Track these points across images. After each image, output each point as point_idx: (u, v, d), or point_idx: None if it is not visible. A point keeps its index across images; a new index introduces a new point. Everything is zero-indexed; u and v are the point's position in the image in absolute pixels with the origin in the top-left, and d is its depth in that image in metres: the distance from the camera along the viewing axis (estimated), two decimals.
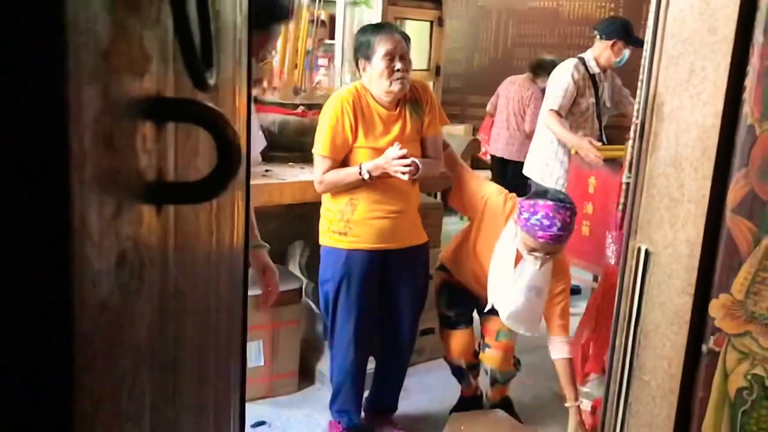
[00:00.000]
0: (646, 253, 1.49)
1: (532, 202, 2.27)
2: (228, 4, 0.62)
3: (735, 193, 1.34)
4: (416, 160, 2.26)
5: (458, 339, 2.70)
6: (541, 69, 4.80)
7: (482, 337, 2.75)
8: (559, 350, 2.34)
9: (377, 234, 2.36)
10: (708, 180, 1.36)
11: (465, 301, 2.70)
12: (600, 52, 3.71)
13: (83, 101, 0.31)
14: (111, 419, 0.36)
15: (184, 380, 0.53)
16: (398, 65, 2.27)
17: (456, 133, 5.41)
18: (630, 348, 1.57)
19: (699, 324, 1.43)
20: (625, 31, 3.64)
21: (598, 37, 3.74)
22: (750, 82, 1.29)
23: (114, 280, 0.36)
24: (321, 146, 2.32)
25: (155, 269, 0.43)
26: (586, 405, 2.30)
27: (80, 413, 0.32)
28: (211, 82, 0.44)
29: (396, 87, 2.30)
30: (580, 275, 3.80)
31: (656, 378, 1.51)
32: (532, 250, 2.29)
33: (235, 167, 0.43)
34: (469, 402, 2.87)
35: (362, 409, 2.67)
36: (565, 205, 2.28)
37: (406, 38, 2.37)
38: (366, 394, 2.69)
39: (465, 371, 2.77)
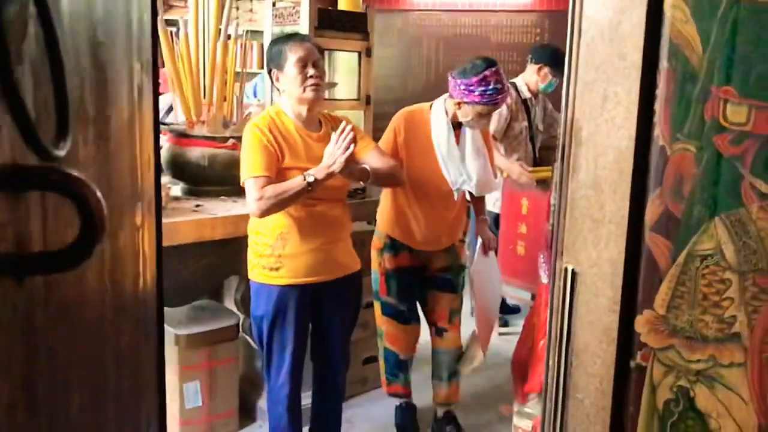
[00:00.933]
0: (573, 273, 1.53)
1: (465, 81, 2.50)
2: (119, 52, 0.60)
3: (652, 212, 1.39)
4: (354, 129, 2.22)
5: (406, 332, 2.79)
6: None
7: (434, 324, 2.83)
8: None
9: (310, 267, 2.31)
10: (626, 200, 1.41)
11: (412, 291, 2.78)
12: (530, 76, 3.85)
13: None
14: None
15: None
16: (311, 71, 2.23)
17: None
18: (563, 367, 1.59)
19: (626, 340, 1.47)
20: (554, 57, 3.74)
21: (529, 60, 3.87)
22: (659, 105, 1.35)
23: None
24: (251, 167, 2.20)
25: (17, 342, 0.41)
26: (527, 425, 2.33)
27: None
28: (61, 152, 0.42)
29: (310, 94, 2.25)
30: (517, 294, 3.87)
31: (589, 396, 1.54)
32: (478, 116, 2.54)
33: (98, 235, 0.42)
34: (409, 413, 2.93)
35: None
36: (488, 66, 2.50)
37: (319, 48, 2.35)
38: (306, 429, 2.64)
39: (403, 364, 2.86)
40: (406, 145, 2.66)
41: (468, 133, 2.65)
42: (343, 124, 2.22)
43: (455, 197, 2.70)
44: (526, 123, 3.84)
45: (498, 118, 3.67)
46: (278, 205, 2.18)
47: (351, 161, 2.16)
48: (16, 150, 0.40)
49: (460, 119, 2.59)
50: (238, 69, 2.98)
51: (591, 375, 1.53)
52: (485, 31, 6.63)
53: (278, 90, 2.34)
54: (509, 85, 3.83)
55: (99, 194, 0.42)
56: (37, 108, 0.43)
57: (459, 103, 2.55)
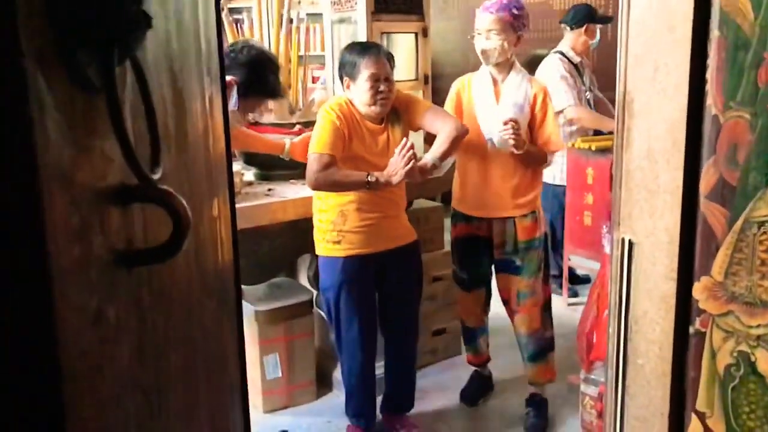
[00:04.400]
0: (630, 243, 1.56)
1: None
2: (192, 75, 0.72)
3: (706, 181, 1.41)
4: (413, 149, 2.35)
5: (470, 300, 2.91)
6: (536, 64, 4.89)
7: (505, 303, 2.88)
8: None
9: (369, 239, 2.48)
10: (680, 170, 1.43)
11: (472, 260, 2.86)
12: (574, 41, 3.89)
13: (55, 204, 0.42)
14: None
15: (170, 399, 0.63)
16: (382, 87, 2.38)
17: None
18: (623, 334, 1.63)
19: (684, 307, 1.49)
20: (590, 13, 3.88)
21: (568, 28, 3.91)
22: (710, 74, 1.36)
23: (93, 332, 0.46)
24: (318, 143, 2.38)
25: (131, 316, 0.54)
26: (594, 392, 2.37)
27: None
28: (156, 176, 0.54)
29: (378, 109, 2.42)
30: (586, 265, 3.86)
31: (649, 362, 1.57)
32: (487, 32, 2.64)
33: (185, 233, 0.53)
34: (479, 383, 3.00)
35: (378, 411, 2.75)
36: None
37: (391, 58, 2.47)
38: (381, 397, 2.77)
39: (475, 331, 2.97)
40: (457, 113, 2.77)
41: (507, 88, 2.72)
42: (404, 141, 2.35)
43: (488, 147, 2.72)
44: (583, 87, 3.89)
45: (567, 88, 3.74)
46: (333, 186, 2.40)
47: (412, 172, 2.33)
48: (124, 175, 0.52)
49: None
50: (302, 53, 3.10)
51: (651, 341, 1.56)
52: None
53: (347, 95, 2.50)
54: (559, 55, 3.87)
55: (183, 201, 0.53)
56: (135, 138, 0.55)
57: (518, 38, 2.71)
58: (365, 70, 2.38)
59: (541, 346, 2.83)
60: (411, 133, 2.59)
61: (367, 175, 2.35)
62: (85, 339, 0.46)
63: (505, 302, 2.86)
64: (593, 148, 3.60)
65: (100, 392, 0.48)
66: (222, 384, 0.84)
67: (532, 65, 4.99)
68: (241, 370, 0.95)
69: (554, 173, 3.85)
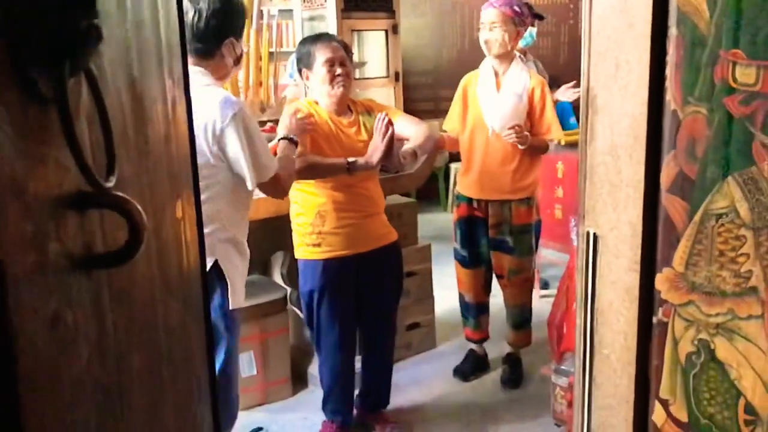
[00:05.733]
0: (594, 236, 1.59)
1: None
2: (153, 79, 0.73)
3: (667, 174, 1.44)
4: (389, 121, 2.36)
5: (468, 276, 3.11)
6: None
7: (498, 276, 3.15)
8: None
9: (349, 240, 2.47)
10: (642, 165, 1.47)
11: (472, 239, 3.04)
12: None
13: (7, 213, 0.44)
14: None
15: (133, 399, 0.65)
16: (338, 70, 2.39)
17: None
18: (589, 326, 1.67)
19: (648, 298, 1.53)
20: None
21: None
22: (669, 71, 1.39)
23: (50, 336, 0.47)
24: (285, 130, 2.35)
25: (90, 318, 0.55)
26: (564, 382, 2.41)
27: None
28: (110, 184, 0.55)
29: (338, 90, 2.42)
30: (557, 257, 3.91)
31: (615, 351, 1.61)
32: (491, 24, 2.81)
33: (139, 238, 0.55)
34: (473, 361, 3.16)
35: (354, 407, 2.77)
36: None
37: (345, 47, 2.49)
38: (356, 392, 2.79)
39: (472, 307, 3.13)
40: (464, 105, 2.99)
41: (507, 79, 2.91)
42: (380, 115, 2.36)
43: (488, 134, 2.91)
44: None
45: None
46: (311, 171, 2.36)
47: (392, 149, 2.33)
48: (80, 182, 0.53)
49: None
50: (271, 49, 3.09)
51: (616, 332, 1.60)
52: None
53: (307, 87, 2.50)
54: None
55: (138, 206, 0.55)
56: (92, 146, 0.56)
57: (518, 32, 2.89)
58: (320, 56, 2.40)
59: (525, 317, 3.15)
60: None
61: (347, 159, 2.35)
62: (42, 342, 0.47)
63: (499, 277, 3.15)
64: (563, 142, 3.66)
65: (59, 394, 0.49)
66: (189, 383, 0.85)
67: None
68: (210, 369, 0.96)
69: None
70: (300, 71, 2.51)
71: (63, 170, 0.52)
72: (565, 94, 3.80)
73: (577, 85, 2.65)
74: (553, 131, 2.95)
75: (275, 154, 2.22)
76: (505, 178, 2.95)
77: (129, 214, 0.56)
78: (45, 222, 0.49)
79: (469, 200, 3.04)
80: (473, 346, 3.27)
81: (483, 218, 3.04)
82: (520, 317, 3.15)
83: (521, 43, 4.06)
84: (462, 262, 3.14)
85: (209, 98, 1.89)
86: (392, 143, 2.31)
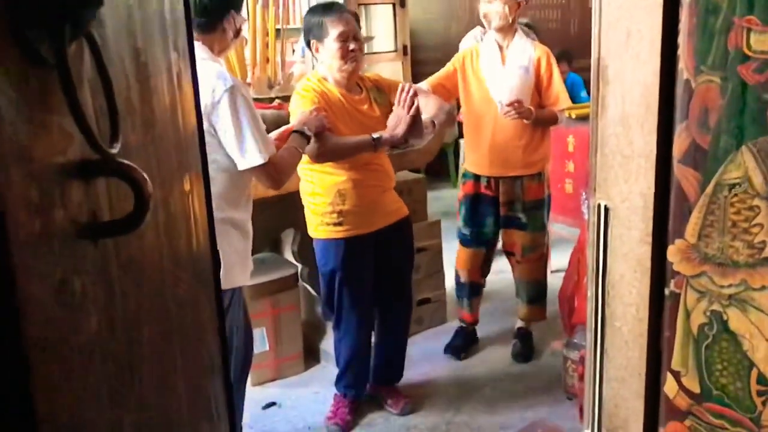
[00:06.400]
0: (606, 208, 1.58)
1: None
2: (157, 50, 0.72)
3: (679, 144, 1.43)
4: (411, 86, 2.35)
5: (467, 255, 3.07)
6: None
7: (510, 254, 3.12)
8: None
9: (369, 217, 2.47)
10: (654, 135, 1.45)
11: (477, 218, 3.01)
12: None
13: (12, 179, 0.43)
14: (70, 400, 0.48)
15: (143, 369, 0.65)
16: (352, 45, 2.33)
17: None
18: (601, 298, 1.66)
19: (660, 269, 1.52)
20: None
21: None
22: (682, 39, 1.37)
23: (57, 301, 0.47)
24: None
25: (98, 286, 0.55)
26: (575, 355, 2.42)
27: (40, 397, 0.44)
28: (115, 150, 0.54)
29: (350, 66, 2.37)
30: (568, 232, 3.90)
31: (627, 323, 1.61)
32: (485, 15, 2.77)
33: (145, 206, 0.55)
34: (464, 337, 3.18)
35: (367, 382, 2.79)
36: None
37: (356, 18, 2.44)
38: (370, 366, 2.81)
39: (466, 287, 3.10)
40: (464, 80, 2.91)
41: (512, 52, 2.87)
42: (402, 84, 2.32)
43: (499, 111, 2.84)
44: None
45: None
46: (337, 153, 2.33)
47: (418, 120, 2.29)
48: (85, 150, 0.53)
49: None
50: (278, 26, 3.07)
51: (627, 304, 1.60)
52: None
53: (316, 59, 2.44)
54: (479, 27, 4.04)
55: (145, 175, 0.55)
56: (96, 114, 0.55)
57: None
58: (333, 30, 2.33)
59: (540, 292, 3.12)
60: None
61: (372, 134, 2.31)
62: (49, 307, 0.48)
63: (510, 254, 3.12)
64: (573, 116, 3.62)
65: (68, 360, 0.50)
66: (200, 355, 0.85)
67: None
68: (222, 342, 0.96)
69: None
70: (308, 43, 2.45)
71: (67, 137, 0.52)
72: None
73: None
74: (561, 101, 2.90)
75: (288, 135, 2.20)
76: (516, 153, 2.89)
77: (134, 182, 0.55)
78: (50, 188, 0.49)
79: (477, 177, 2.99)
80: (461, 325, 3.25)
81: (491, 196, 2.99)
82: (535, 292, 3.11)
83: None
84: (463, 240, 3.09)
85: (203, 73, 1.87)
86: (419, 114, 2.28)
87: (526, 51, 2.87)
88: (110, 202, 0.60)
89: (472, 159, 3.01)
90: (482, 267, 3.14)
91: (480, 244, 3.06)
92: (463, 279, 3.13)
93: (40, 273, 0.46)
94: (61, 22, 0.48)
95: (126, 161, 0.56)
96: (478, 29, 4.00)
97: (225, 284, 1.97)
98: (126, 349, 0.61)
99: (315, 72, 2.48)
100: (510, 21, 2.83)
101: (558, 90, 2.88)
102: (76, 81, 0.49)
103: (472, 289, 3.14)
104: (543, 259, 3.11)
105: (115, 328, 0.59)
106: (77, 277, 0.52)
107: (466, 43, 3.88)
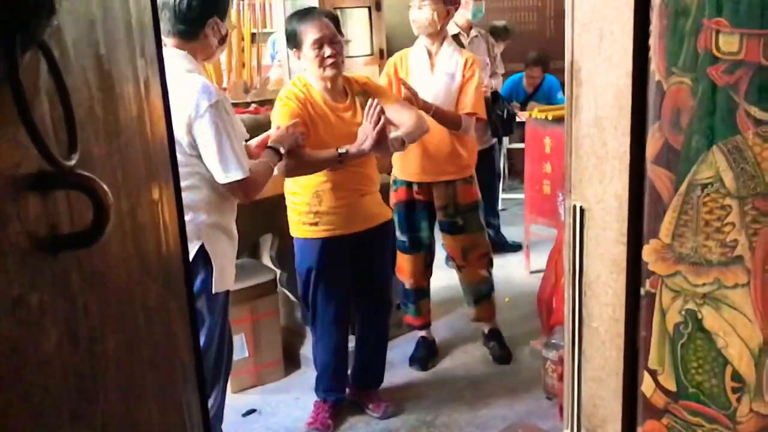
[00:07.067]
0: (581, 209, 1.59)
1: None
2: (121, 57, 0.70)
3: (652, 145, 1.44)
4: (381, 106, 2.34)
5: (408, 261, 3.05)
6: (493, 35, 4.91)
7: (452, 260, 3.12)
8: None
9: (346, 219, 2.46)
10: (627, 136, 1.46)
11: (412, 224, 3.01)
12: (457, 16, 4.05)
13: None
14: (26, 420, 0.47)
15: (108, 382, 0.63)
16: (328, 51, 2.32)
17: None
18: (578, 299, 1.67)
19: (635, 269, 1.54)
20: None
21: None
22: (653, 41, 1.38)
23: (11, 318, 0.46)
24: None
25: (58, 300, 0.54)
26: (554, 355, 2.43)
27: None
28: (72, 162, 0.53)
29: (329, 72, 2.36)
30: (546, 233, 3.92)
31: (603, 324, 1.62)
32: (420, 2, 2.78)
33: (105, 218, 0.54)
34: (425, 348, 3.16)
35: (347, 387, 2.78)
36: None
37: (334, 19, 2.42)
38: (349, 371, 2.80)
39: (411, 292, 3.10)
40: (396, 87, 2.86)
41: (440, 59, 2.89)
42: (370, 101, 2.30)
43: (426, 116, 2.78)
44: None
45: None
46: (304, 168, 2.35)
47: (383, 136, 2.29)
48: (42, 162, 0.52)
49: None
50: (254, 30, 3.05)
51: (604, 304, 1.61)
52: None
53: (290, 67, 2.44)
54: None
55: (104, 186, 0.54)
56: (54, 124, 0.54)
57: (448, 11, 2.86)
58: (308, 37, 2.33)
59: (487, 290, 3.14)
60: None
61: (338, 149, 2.31)
62: (4, 326, 0.46)
63: (452, 258, 3.14)
64: (550, 117, 3.65)
65: (24, 377, 0.48)
66: (171, 366, 0.84)
67: (493, 35, 5.05)
68: (195, 348, 0.95)
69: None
70: (291, 50, 2.45)
71: (21, 149, 0.50)
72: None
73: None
74: (468, 105, 2.88)
75: (266, 144, 2.20)
76: (446, 158, 2.90)
77: (93, 193, 0.54)
78: (3, 202, 0.47)
79: (409, 184, 2.97)
80: (422, 332, 3.22)
81: (424, 201, 2.99)
82: (480, 292, 3.12)
83: (470, 17, 4.06)
84: (402, 248, 3.05)
85: (188, 86, 1.86)
86: (384, 132, 2.29)
87: (453, 57, 2.90)
88: (71, 215, 0.59)
89: (402, 166, 2.99)
90: (425, 271, 3.14)
91: (419, 248, 3.06)
92: (408, 285, 3.12)
93: None
94: (12, 33, 0.47)
95: (84, 172, 0.55)
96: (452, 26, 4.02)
97: (218, 287, 2.00)
98: (89, 363, 0.59)
99: (302, 76, 2.47)
100: (438, 27, 2.86)
101: (468, 96, 2.88)
102: (31, 92, 0.48)
103: (418, 293, 3.14)
104: (486, 258, 3.10)
105: (77, 341, 0.57)
106: (35, 292, 0.51)
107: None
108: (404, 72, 2.91)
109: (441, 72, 2.88)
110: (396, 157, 2.94)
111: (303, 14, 2.42)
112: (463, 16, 4.02)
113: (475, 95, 2.87)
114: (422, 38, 2.91)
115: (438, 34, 2.88)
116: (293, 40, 2.38)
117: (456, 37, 3.99)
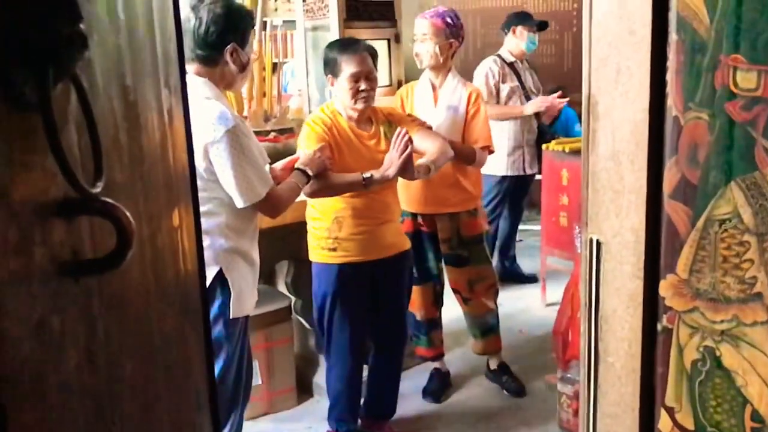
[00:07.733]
0: (598, 243, 1.59)
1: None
2: (147, 88, 0.73)
3: (669, 180, 1.44)
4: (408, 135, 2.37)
5: (417, 293, 2.99)
6: None
7: (457, 292, 3.10)
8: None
9: (365, 247, 2.48)
10: (644, 171, 1.46)
11: (423, 254, 3.00)
12: (509, 43, 4.16)
13: None
14: None
15: (124, 406, 0.65)
16: (363, 86, 2.39)
17: None
18: (594, 333, 1.66)
19: (652, 305, 1.52)
20: (519, 16, 4.20)
21: (504, 33, 4.21)
22: (670, 77, 1.39)
23: (34, 341, 0.47)
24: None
25: (79, 324, 0.55)
26: (570, 390, 2.40)
27: None
28: (97, 189, 0.55)
29: (360, 105, 2.43)
30: (562, 265, 3.90)
31: (619, 359, 1.60)
32: (422, 35, 2.82)
33: (128, 244, 0.55)
34: (439, 380, 3.13)
35: (359, 417, 2.76)
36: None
37: (373, 53, 2.48)
38: (362, 401, 2.78)
39: (421, 324, 3.08)
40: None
41: (444, 92, 2.92)
42: (399, 130, 2.34)
43: None
44: (517, 83, 4.12)
45: (485, 81, 4.02)
46: (328, 190, 2.38)
47: (409, 163, 2.32)
48: (68, 188, 0.53)
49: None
50: (275, 60, 3.11)
51: (620, 339, 1.59)
52: (523, 3, 6.55)
53: (329, 92, 2.51)
54: (495, 57, 4.10)
55: (127, 213, 0.55)
56: (81, 152, 0.56)
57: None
58: (347, 69, 2.39)
59: (494, 322, 3.13)
60: None
61: (362, 174, 2.34)
62: (27, 347, 0.47)
63: (456, 291, 3.11)
64: (567, 149, 3.65)
65: (45, 398, 0.49)
66: (187, 391, 0.85)
67: None
68: (209, 375, 0.96)
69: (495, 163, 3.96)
70: (326, 74, 2.52)
71: (49, 176, 0.52)
72: (536, 104, 3.90)
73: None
74: (480, 139, 2.90)
75: (292, 167, 2.24)
76: (449, 190, 2.91)
77: (116, 220, 0.56)
78: (30, 227, 0.49)
79: (414, 215, 3.00)
80: (436, 364, 3.20)
81: (429, 232, 3.00)
82: (487, 324, 3.11)
83: (524, 48, 4.12)
84: None
85: (206, 113, 1.90)
86: (410, 160, 2.32)
87: (458, 90, 2.93)
88: (94, 240, 0.60)
89: (406, 197, 2.98)
90: (435, 302, 3.13)
91: (428, 279, 3.06)
92: (419, 317, 3.11)
93: (17, 312, 0.46)
94: (45, 65, 0.49)
95: (108, 200, 0.57)
96: (491, 59, 4.11)
97: (236, 312, 2.02)
98: (107, 386, 0.60)
99: (330, 103, 2.53)
100: (441, 60, 2.89)
101: (479, 129, 2.90)
102: (61, 121, 0.50)
103: (429, 324, 3.13)
104: (493, 290, 3.09)
105: (96, 364, 0.59)
106: (57, 315, 0.52)
107: (480, 72, 4.03)
108: (409, 104, 2.95)
109: (444, 105, 2.91)
110: (401, 189, 2.92)
111: (345, 45, 2.48)
112: (517, 46, 4.11)
113: (485, 128, 2.91)
114: (427, 71, 2.95)
115: (441, 67, 2.92)
116: (331, 68, 2.44)
117: (512, 66, 4.08)
